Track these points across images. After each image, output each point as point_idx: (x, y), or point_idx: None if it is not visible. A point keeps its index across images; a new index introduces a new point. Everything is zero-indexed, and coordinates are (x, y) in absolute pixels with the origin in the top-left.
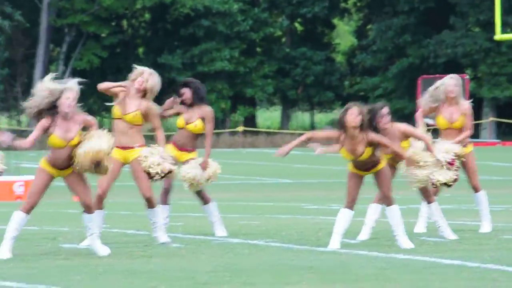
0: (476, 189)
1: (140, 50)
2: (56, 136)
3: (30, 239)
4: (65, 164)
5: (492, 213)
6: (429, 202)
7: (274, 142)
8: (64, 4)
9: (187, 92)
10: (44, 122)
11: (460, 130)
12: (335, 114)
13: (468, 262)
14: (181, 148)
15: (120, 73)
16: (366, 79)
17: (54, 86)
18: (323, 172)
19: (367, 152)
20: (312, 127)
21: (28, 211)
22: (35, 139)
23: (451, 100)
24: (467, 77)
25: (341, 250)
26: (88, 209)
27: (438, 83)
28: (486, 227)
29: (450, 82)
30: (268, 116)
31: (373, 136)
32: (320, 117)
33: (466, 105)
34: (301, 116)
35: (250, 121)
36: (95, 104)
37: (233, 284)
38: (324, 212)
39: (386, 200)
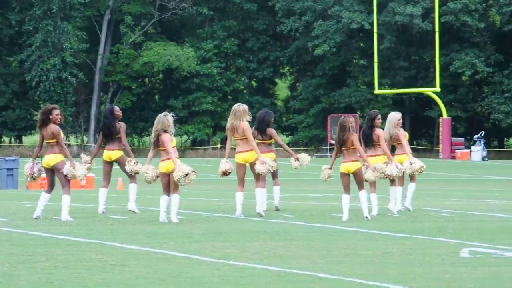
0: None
1: (156, 96)
2: None
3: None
4: None
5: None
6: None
7: None
8: (109, 68)
9: None
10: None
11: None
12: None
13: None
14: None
15: (143, 110)
16: (296, 116)
17: None
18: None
19: None
20: None
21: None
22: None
23: None
24: (358, 116)
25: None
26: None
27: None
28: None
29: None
30: None
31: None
32: None
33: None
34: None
35: (224, 141)
36: (128, 129)
37: (216, 242)
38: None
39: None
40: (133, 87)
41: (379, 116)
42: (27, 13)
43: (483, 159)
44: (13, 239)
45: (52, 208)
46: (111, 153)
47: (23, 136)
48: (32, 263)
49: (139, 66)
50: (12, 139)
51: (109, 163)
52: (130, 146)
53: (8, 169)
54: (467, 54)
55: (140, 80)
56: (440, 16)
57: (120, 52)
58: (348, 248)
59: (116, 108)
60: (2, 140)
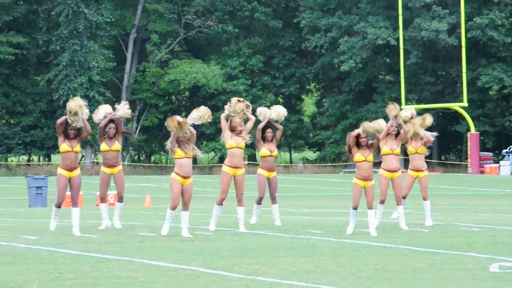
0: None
1: (183, 114)
2: None
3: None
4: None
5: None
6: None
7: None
8: (136, 86)
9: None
10: None
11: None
12: (305, 153)
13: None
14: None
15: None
16: (322, 132)
17: None
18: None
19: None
20: (290, 161)
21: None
22: None
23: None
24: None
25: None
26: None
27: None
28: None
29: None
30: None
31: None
32: (295, 155)
33: None
34: (284, 155)
35: (252, 157)
36: (156, 147)
37: (244, 258)
38: None
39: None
40: (159, 105)
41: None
42: (54, 32)
43: None
44: (43, 257)
45: (83, 225)
46: (112, 168)
47: (51, 155)
48: (62, 281)
49: (166, 84)
50: (41, 158)
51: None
52: (158, 163)
53: (37, 187)
54: (494, 69)
55: (166, 98)
56: (467, 31)
57: (147, 70)
58: (377, 264)
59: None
60: (31, 159)
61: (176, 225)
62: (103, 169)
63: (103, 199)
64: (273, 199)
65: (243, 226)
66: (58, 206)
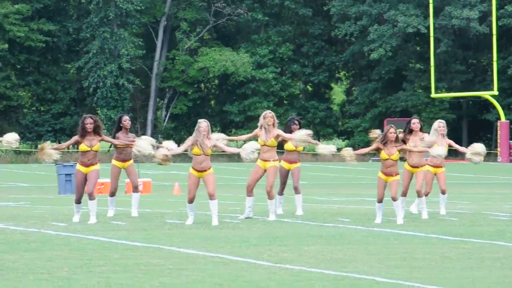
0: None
1: (212, 102)
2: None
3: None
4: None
5: None
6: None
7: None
8: (165, 74)
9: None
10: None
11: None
12: (333, 142)
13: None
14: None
15: (199, 115)
16: (351, 121)
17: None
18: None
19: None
20: None
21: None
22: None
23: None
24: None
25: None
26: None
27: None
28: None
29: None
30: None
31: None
32: (324, 143)
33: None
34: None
35: (280, 145)
36: (184, 134)
37: (272, 246)
38: None
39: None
40: (189, 93)
41: (414, 121)
42: (84, 20)
43: None
44: (71, 243)
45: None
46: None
47: None
48: (90, 267)
49: (195, 72)
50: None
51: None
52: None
53: (66, 174)
54: None
55: (196, 86)
56: (498, 19)
57: (176, 58)
58: (406, 252)
59: (125, 117)
60: None
61: (205, 212)
62: (114, 162)
63: (113, 193)
64: (296, 189)
65: (273, 215)
66: (78, 202)
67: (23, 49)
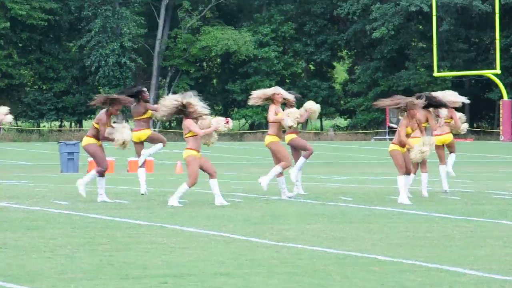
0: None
1: (214, 80)
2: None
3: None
4: None
5: None
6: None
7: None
8: (167, 52)
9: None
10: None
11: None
12: (336, 120)
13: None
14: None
15: (201, 94)
16: (354, 100)
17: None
18: None
19: None
20: (321, 129)
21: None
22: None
23: None
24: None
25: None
26: None
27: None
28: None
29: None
30: None
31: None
32: (326, 122)
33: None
34: (314, 122)
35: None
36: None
37: (274, 224)
38: None
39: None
40: (191, 71)
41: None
42: None
43: None
44: (74, 222)
45: (114, 191)
46: (140, 133)
47: (83, 121)
48: (93, 246)
49: (197, 51)
50: (73, 124)
51: (140, 143)
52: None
53: (69, 153)
54: None
55: (198, 65)
56: None
57: (178, 37)
58: (408, 231)
59: (144, 89)
60: (63, 124)
61: (207, 191)
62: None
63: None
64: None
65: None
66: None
67: (25, 28)
